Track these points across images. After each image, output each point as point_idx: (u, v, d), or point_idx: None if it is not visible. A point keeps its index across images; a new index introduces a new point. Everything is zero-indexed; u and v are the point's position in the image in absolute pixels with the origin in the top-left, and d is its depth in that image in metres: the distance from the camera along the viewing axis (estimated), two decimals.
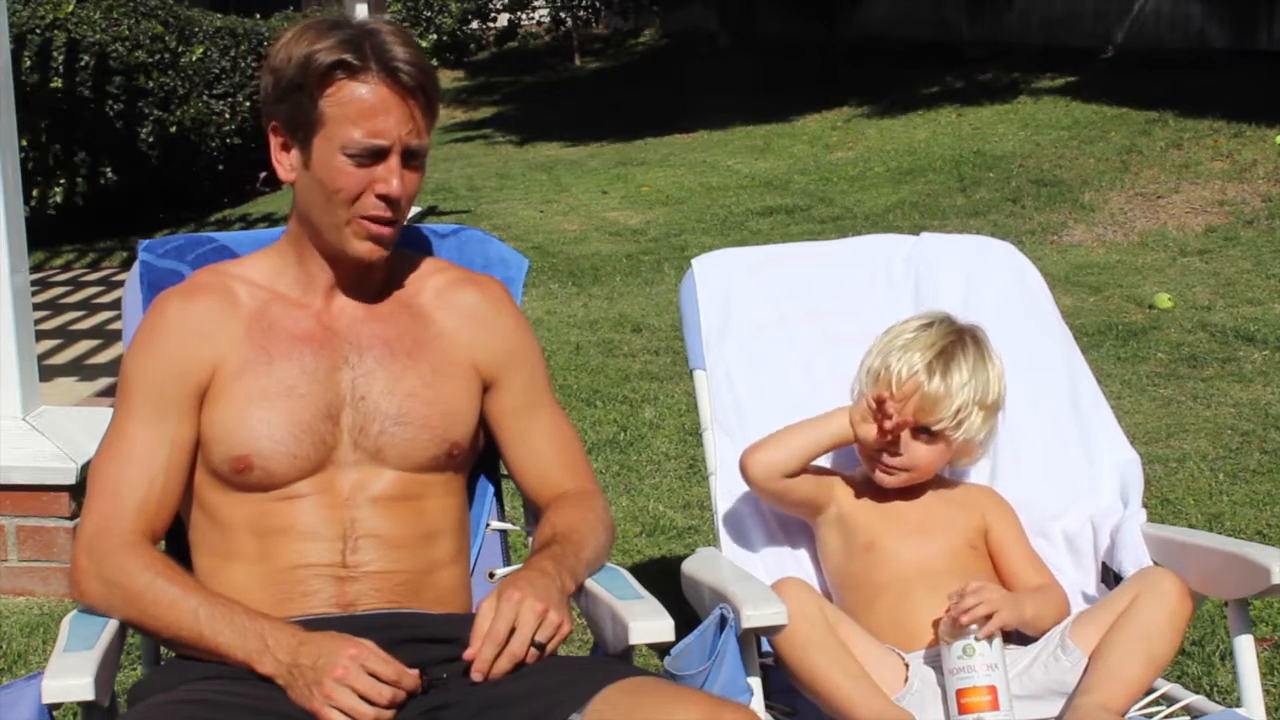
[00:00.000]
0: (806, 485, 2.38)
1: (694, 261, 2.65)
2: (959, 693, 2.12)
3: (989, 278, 2.66)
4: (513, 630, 1.86)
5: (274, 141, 2.02)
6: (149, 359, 2.03)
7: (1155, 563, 2.29)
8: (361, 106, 1.94)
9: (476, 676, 1.84)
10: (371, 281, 2.09)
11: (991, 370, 2.36)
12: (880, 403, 2.29)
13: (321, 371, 2.02)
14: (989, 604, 2.13)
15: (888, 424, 2.28)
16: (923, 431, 2.31)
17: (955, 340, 2.35)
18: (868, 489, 2.38)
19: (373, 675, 1.80)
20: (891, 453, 2.32)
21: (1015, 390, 2.49)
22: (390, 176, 1.96)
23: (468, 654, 1.86)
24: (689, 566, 2.29)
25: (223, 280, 2.09)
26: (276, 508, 1.99)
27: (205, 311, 2.04)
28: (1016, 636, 2.26)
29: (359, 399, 2.02)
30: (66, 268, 8.16)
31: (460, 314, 2.14)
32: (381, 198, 1.97)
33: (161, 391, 2.01)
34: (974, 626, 2.12)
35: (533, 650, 1.86)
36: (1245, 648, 2.16)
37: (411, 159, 1.99)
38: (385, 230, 2.00)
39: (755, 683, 2.06)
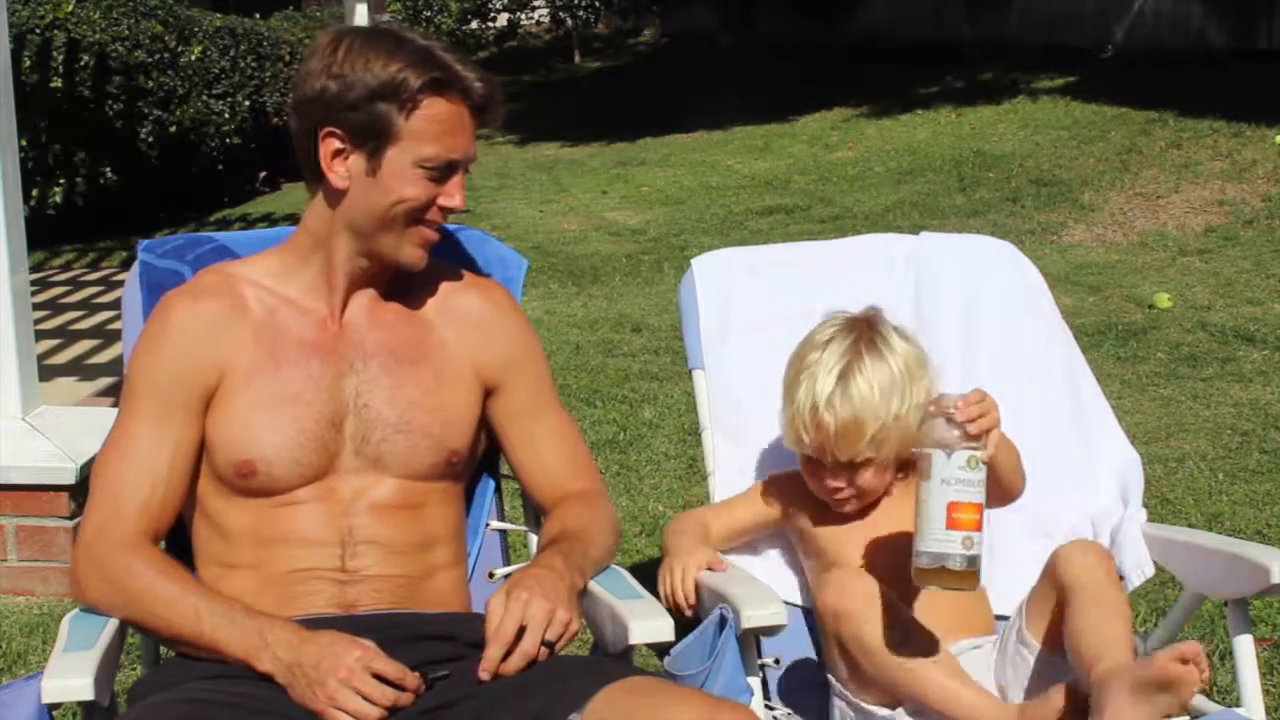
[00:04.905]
0: (746, 522, 2.39)
1: (694, 261, 2.65)
2: (953, 505, 1.93)
3: (989, 277, 2.66)
4: (523, 629, 1.85)
5: (325, 147, 2.00)
6: (155, 360, 2.03)
7: (1155, 562, 2.30)
8: (446, 124, 2.00)
9: (484, 675, 1.84)
10: (380, 287, 2.10)
11: (895, 365, 2.22)
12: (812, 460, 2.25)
13: (327, 379, 2.03)
14: (994, 417, 1.99)
15: (826, 483, 2.25)
16: (846, 465, 2.23)
17: (851, 357, 2.22)
18: (827, 509, 2.31)
19: (376, 676, 1.80)
20: (835, 489, 2.25)
21: (1015, 390, 2.48)
22: (457, 191, 2.04)
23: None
24: None
25: (230, 282, 2.08)
26: (277, 513, 2.00)
27: (212, 314, 2.04)
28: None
29: (362, 406, 2.03)
30: (66, 267, 8.16)
31: (462, 320, 2.14)
32: (442, 209, 2.03)
33: (167, 393, 2.01)
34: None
35: (543, 649, 1.86)
36: (1245, 648, 2.16)
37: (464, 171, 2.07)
38: (436, 237, 2.07)
39: (755, 683, 2.06)
